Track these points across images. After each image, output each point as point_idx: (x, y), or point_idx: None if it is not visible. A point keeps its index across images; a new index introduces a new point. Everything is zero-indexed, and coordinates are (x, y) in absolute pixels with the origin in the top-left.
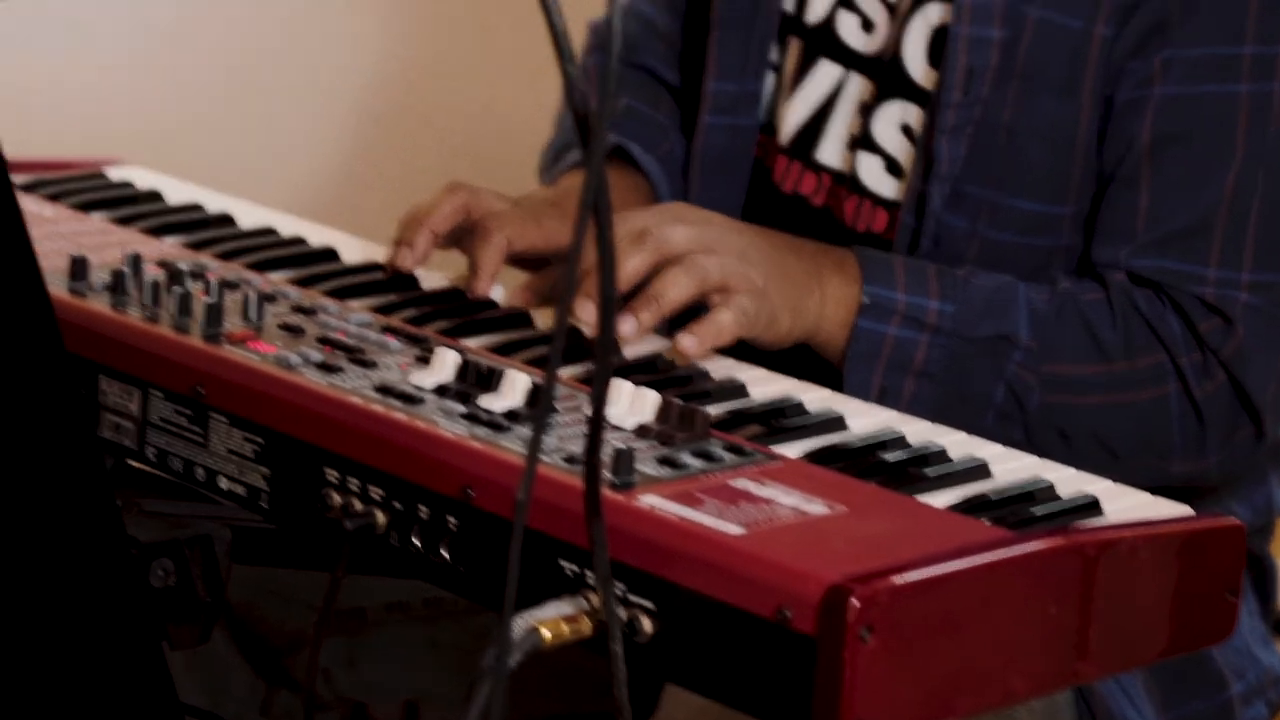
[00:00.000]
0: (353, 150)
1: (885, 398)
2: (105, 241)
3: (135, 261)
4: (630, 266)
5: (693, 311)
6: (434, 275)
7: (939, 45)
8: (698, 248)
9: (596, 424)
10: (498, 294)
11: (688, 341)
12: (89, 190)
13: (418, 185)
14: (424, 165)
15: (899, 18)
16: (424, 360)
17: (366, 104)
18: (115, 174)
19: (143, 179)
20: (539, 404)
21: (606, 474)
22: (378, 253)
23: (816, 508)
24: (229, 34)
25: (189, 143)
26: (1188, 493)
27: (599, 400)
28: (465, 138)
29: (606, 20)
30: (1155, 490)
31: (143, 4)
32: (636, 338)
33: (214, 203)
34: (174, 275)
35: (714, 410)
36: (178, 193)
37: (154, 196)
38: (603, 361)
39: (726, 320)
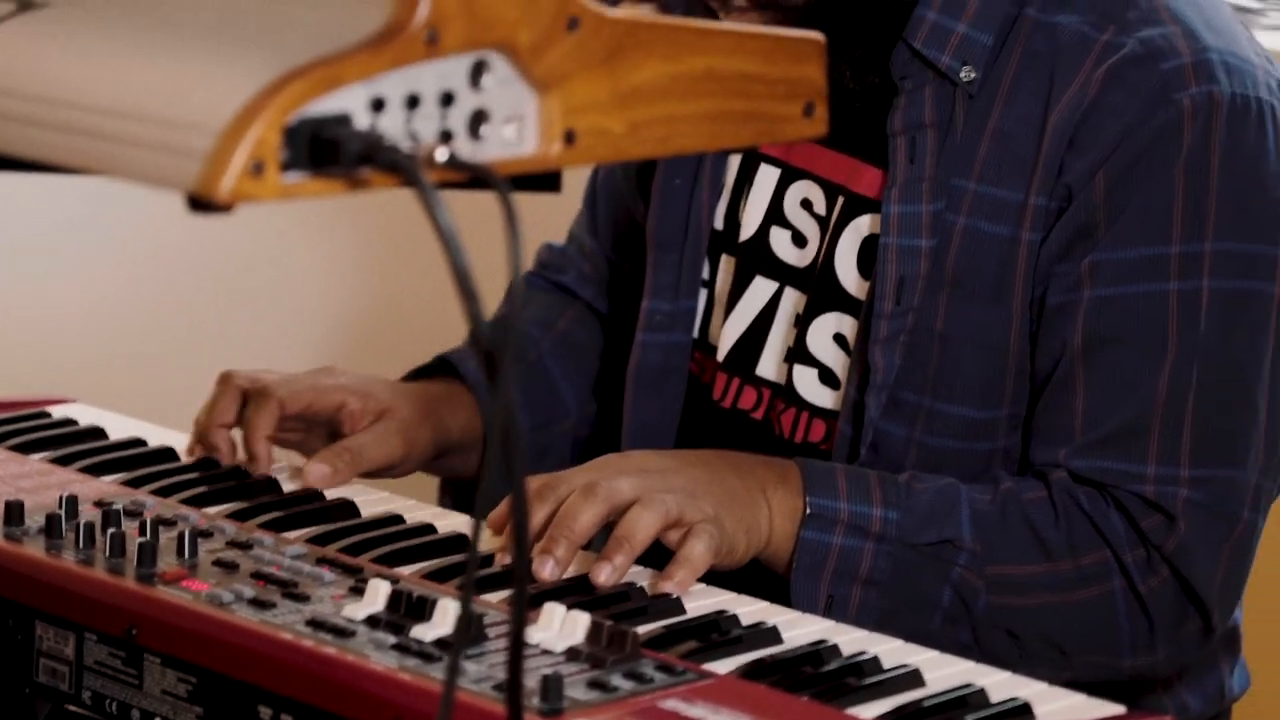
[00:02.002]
0: None
1: (832, 607)
2: (44, 483)
3: (71, 503)
4: (585, 519)
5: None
6: (373, 499)
7: (869, 256)
8: (645, 492)
9: (516, 654)
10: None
11: (670, 586)
12: (30, 431)
13: None
14: None
15: (829, 230)
16: (357, 591)
17: (329, 340)
18: (59, 412)
19: (86, 416)
20: (457, 632)
21: (534, 701)
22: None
23: None
24: (192, 269)
25: (146, 376)
26: (1140, 685)
27: (517, 630)
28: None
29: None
30: (1108, 684)
31: (109, 239)
32: (612, 582)
33: (156, 437)
34: (109, 515)
35: (648, 627)
36: (120, 429)
37: (96, 433)
38: (520, 589)
39: (699, 552)
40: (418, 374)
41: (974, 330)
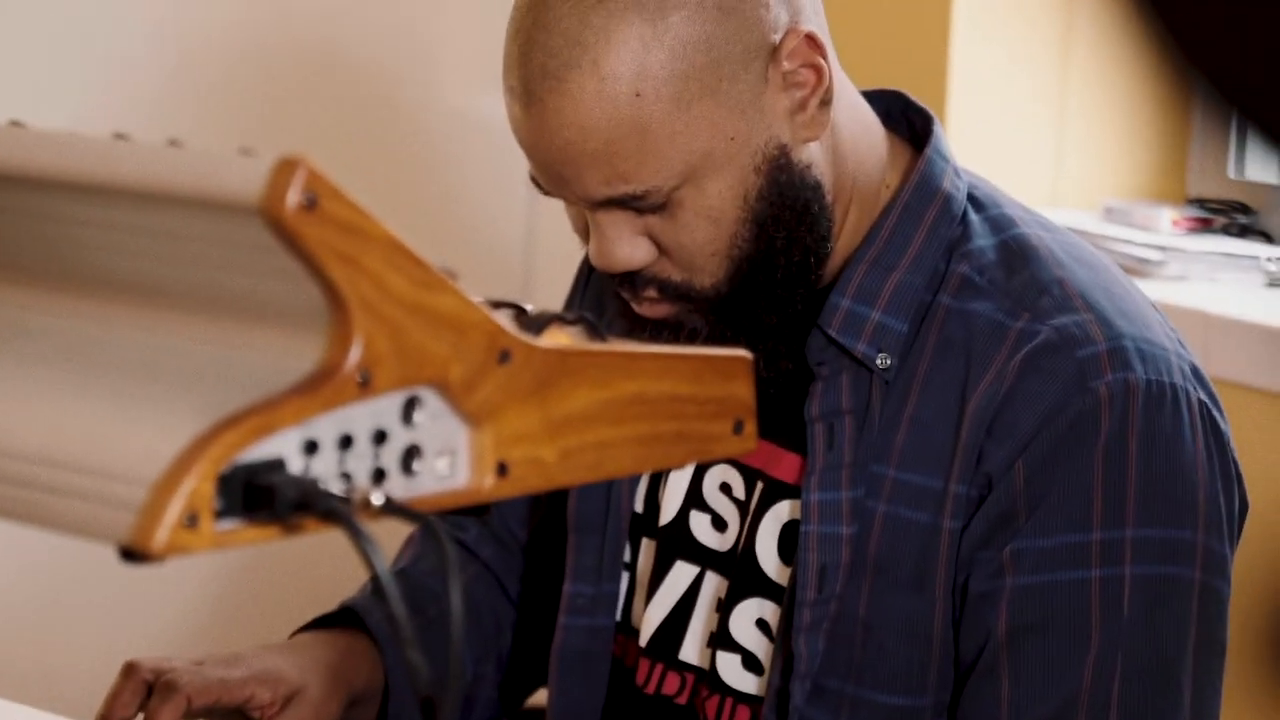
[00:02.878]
0: None
1: None
2: None
3: None
4: None
5: None
6: None
7: (789, 541)
8: None
9: None
10: None
11: None
12: None
13: None
14: None
15: (749, 515)
16: None
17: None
18: None
19: None
20: None
21: None
22: None
23: None
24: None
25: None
26: None
27: None
28: None
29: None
30: None
31: None
32: None
33: None
34: None
35: None
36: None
37: None
38: None
39: None
40: (322, 621)
41: (897, 618)
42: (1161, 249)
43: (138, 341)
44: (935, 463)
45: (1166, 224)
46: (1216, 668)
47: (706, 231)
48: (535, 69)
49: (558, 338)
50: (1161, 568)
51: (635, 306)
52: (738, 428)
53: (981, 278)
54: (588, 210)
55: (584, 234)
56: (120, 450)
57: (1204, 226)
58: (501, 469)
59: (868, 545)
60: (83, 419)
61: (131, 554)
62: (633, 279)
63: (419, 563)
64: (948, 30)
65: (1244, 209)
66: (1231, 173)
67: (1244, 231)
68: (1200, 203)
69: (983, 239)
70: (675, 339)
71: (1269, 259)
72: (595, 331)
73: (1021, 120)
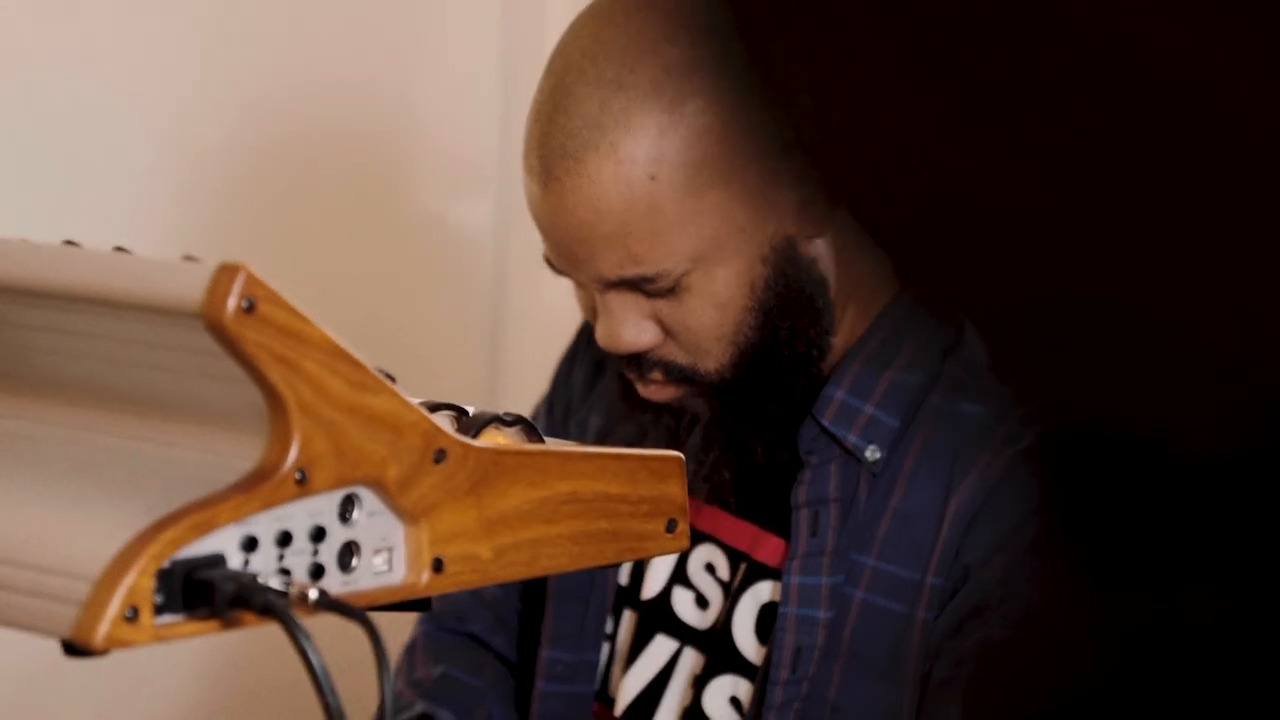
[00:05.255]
0: None
1: None
2: None
3: None
4: None
5: None
6: None
7: (767, 622)
8: None
9: None
10: None
11: None
12: None
13: None
14: None
15: (730, 595)
16: None
17: None
18: None
19: None
20: None
21: None
22: None
23: None
24: None
25: None
26: None
27: None
28: None
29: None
30: None
31: None
32: None
33: None
34: None
35: None
36: None
37: None
38: None
39: None
40: None
41: (867, 703)
42: None
43: (84, 441)
44: (915, 555)
45: None
46: None
47: (713, 317)
48: (554, 150)
49: (495, 438)
50: None
51: (640, 389)
52: (670, 526)
53: (973, 381)
54: (598, 291)
55: (592, 314)
56: (66, 547)
57: None
58: (438, 565)
59: (843, 630)
60: (30, 516)
61: (74, 648)
62: (639, 360)
63: (456, 669)
64: None
65: None
66: None
67: None
68: None
69: (976, 345)
70: (676, 424)
71: None
72: (533, 432)
73: None
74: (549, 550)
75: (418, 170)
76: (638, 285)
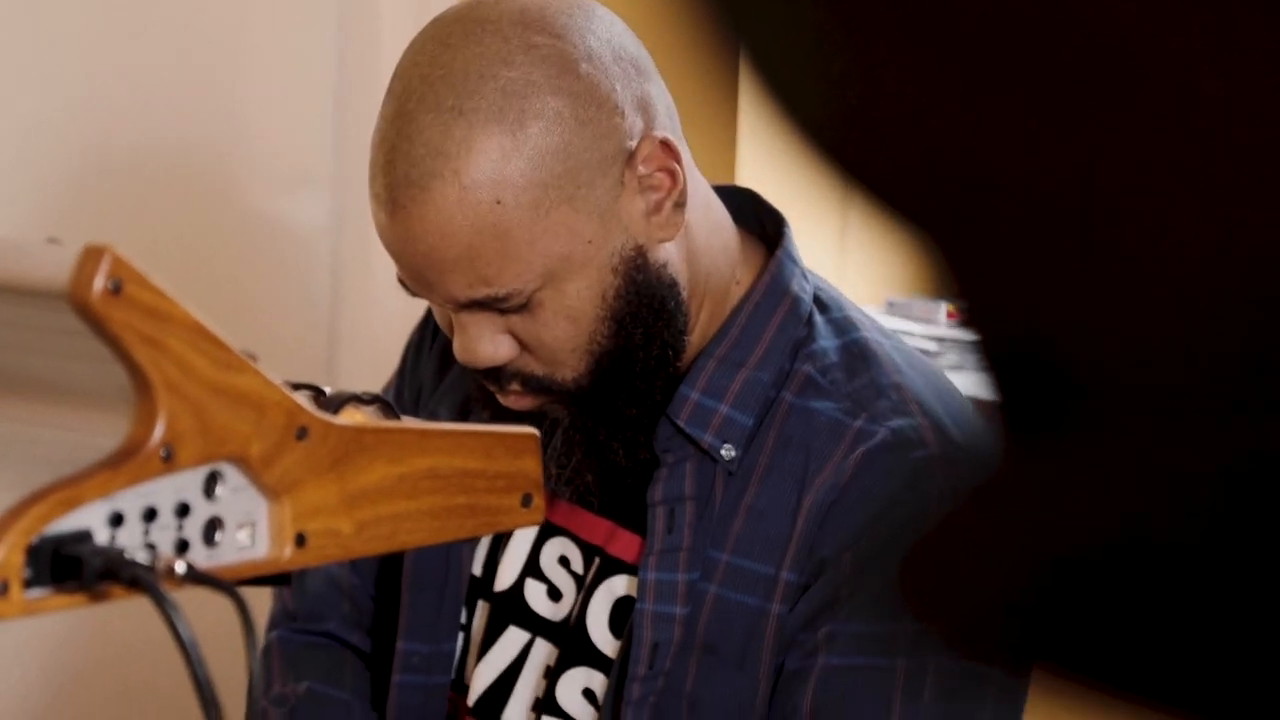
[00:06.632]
0: None
1: None
2: None
3: None
4: None
5: None
6: None
7: (621, 615)
8: None
9: None
10: None
11: None
12: None
13: None
14: None
15: (584, 588)
16: None
17: None
18: None
19: None
20: None
21: None
22: None
23: None
24: None
25: None
26: None
27: None
28: None
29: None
30: None
31: None
32: None
33: None
34: None
35: None
36: None
37: None
38: None
39: None
40: None
41: (722, 694)
42: (939, 340)
43: None
44: (769, 550)
45: (943, 317)
46: None
47: (566, 329)
48: (399, 177)
49: (354, 416)
50: (964, 661)
51: (501, 399)
52: (526, 501)
53: (824, 378)
54: (452, 311)
55: (449, 329)
56: None
57: None
58: (300, 540)
59: (698, 625)
60: None
61: None
62: (497, 373)
63: (319, 682)
64: (734, 155)
65: None
66: None
67: None
68: None
69: (826, 340)
70: (537, 427)
71: None
72: (390, 410)
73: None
74: (409, 525)
75: (254, 170)
76: (490, 304)
